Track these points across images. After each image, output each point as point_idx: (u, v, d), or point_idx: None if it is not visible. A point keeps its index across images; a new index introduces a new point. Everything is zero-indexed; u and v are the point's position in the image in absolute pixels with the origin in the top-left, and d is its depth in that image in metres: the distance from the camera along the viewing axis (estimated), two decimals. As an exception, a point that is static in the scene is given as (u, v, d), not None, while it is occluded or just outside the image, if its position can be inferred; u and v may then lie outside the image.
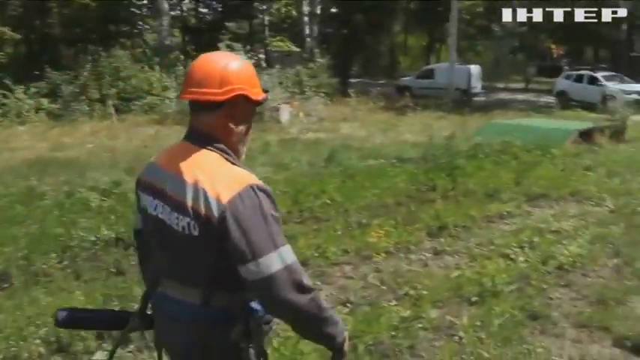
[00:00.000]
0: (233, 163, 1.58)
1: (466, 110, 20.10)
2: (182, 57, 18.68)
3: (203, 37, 21.29)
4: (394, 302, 4.42)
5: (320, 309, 1.55)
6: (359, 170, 8.80)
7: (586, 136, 12.95)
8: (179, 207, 1.52)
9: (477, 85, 23.93)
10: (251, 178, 1.52)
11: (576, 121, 15.33)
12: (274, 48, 24.01)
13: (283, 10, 27.19)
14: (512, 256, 5.42)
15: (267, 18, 26.05)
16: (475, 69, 24.22)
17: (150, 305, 1.76)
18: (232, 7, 23.86)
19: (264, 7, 25.92)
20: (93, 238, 5.39)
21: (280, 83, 18.80)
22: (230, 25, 24.18)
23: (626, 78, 24.02)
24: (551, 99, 23.90)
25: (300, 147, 11.65)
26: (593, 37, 36.52)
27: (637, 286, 4.81)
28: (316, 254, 5.32)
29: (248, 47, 17.62)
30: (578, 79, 23.78)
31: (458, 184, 8.01)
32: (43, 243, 5.15)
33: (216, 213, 1.45)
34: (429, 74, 25.42)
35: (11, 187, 7.46)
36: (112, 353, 2.00)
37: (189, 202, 1.49)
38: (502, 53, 31.24)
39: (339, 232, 5.97)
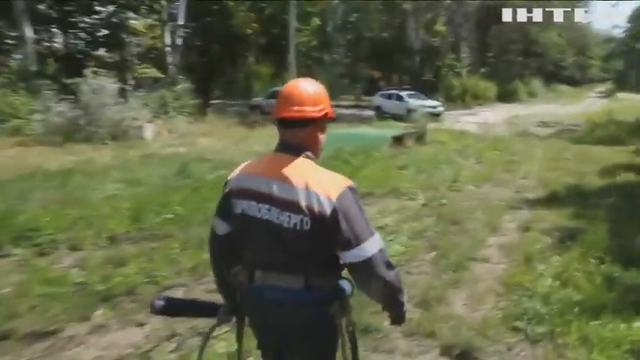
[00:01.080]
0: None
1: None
2: (49, 81, 15.68)
3: (72, 64, 18.27)
4: (226, 329, 3.20)
5: (400, 281, 1.57)
6: (206, 182, 7.46)
7: (398, 140, 12.81)
8: (291, 207, 1.48)
9: (313, 102, 23.33)
10: (346, 180, 1.54)
11: (390, 129, 15.27)
12: (141, 75, 21.49)
13: (150, 42, 24.67)
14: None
15: (135, 49, 23.46)
16: (312, 90, 23.63)
17: (243, 295, 1.65)
18: (100, 37, 20.96)
19: (132, 40, 23.30)
20: None
21: (146, 105, 16.68)
22: (101, 54, 21.24)
23: (422, 95, 25.04)
24: (371, 112, 24.11)
25: (157, 161, 9.95)
26: (397, 66, 38.29)
27: (452, 279, 4.10)
28: (146, 280, 3.96)
29: (114, 73, 15.13)
30: (389, 96, 24.26)
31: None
32: None
33: (328, 210, 1.46)
34: (276, 95, 24.19)
35: None
36: (205, 338, 1.81)
37: (303, 202, 1.47)
38: (333, 78, 31.30)
39: (177, 250, 4.63)
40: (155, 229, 5.23)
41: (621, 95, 46.39)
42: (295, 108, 1.54)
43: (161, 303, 1.73)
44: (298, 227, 1.47)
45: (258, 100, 25.32)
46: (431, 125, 15.85)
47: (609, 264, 3.94)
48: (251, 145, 12.92)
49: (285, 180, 1.50)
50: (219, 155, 11.04)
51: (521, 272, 4.00)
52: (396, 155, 10.84)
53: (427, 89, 30.59)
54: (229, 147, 12.99)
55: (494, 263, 4.46)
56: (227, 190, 1.67)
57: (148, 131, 14.73)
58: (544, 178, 8.69)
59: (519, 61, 47.72)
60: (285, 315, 1.55)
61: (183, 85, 19.66)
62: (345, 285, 1.59)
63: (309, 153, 1.58)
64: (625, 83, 63.19)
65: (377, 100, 24.95)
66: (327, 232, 1.46)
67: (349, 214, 1.46)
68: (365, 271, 1.48)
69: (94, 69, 14.93)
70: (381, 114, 22.81)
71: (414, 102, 22.16)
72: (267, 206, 1.53)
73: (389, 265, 1.50)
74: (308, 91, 1.58)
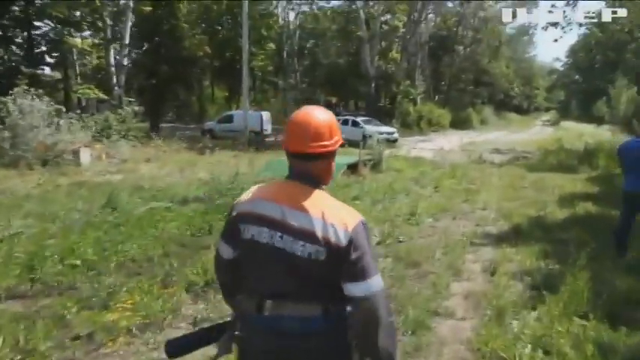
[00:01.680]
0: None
1: (261, 148, 18.71)
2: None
3: (3, 82, 16.68)
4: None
5: (395, 333, 1.51)
6: (134, 216, 6.47)
7: (353, 168, 12.24)
8: (306, 236, 1.44)
9: (267, 127, 22.61)
10: (359, 214, 1.51)
11: (345, 156, 14.69)
12: (83, 95, 20.07)
13: (95, 61, 23.29)
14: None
15: (78, 68, 22.02)
16: (266, 114, 22.79)
17: (249, 325, 1.54)
18: (38, 54, 19.44)
19: (75, 58, 21.90)
20: None
21: (88, 128, 15.45)
22: (37, 72, 19.65)
23: (377, 121, 24.82)
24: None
25: (86, 191, 8.84)
26: (353, 92, 38.32)
27: (412, 343, 3.36)
28: (16, 358, 2.99)
29: (41, 91, 13.74)
30: (345, 122, 23.79)
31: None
32: None
33: (344, 241, 1.43)
34: (229, 119, 23.40)
35: None
36: None
37: (319, 233, 1.43)
38: (289, 103, 30.80)
39: (73, 310, 3.66)
40: (53, 281, 4.23)
41: (565, 124, 48.43)
42: (314, 144, 1.50)
43: (168, 349, 1.67)
44: (313, 257, 1.43)
45: (210, 124, 24.38)
46: (387, 152, 15.45)
47: (595, 322, 3.31)
48: (197, 172, 11.98)
49: (301, 209, 1.47)
50: (158, 183, 10.05)
51: (493, 334, 3.30)
52: (350, 184, 10.21)
53: (383, 115, 30.58)
54: (173, 174, 12.00)
55: (460, 319, 3.76)
56: (235, 214, 1.58)
57: (85, 156, 13.49)
58: (504, 208, 8.24)
59: (471, 90, 49.08)
60: (302, 344, 1.48)
61: (130, 107, 18.44)
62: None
63: (322, 185, 1.55)
64: (567, 112, 66.37)
65: (332, 125, 24.48)
66: (341, 263, 1.43)
67: (361, 247, 1.44)
68: (365, 307, 1.43)
69: (25, 87, 13.56)
70: (337, 140, 22.33)
71: (370, 128, 21.83)
72: (279, 234, 1.47)
73: (389, 309, 1.47)
74: (324, 123, 1.53)
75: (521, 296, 4.06)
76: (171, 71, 23.20)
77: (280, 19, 35.72)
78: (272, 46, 33.09)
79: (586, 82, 55.42)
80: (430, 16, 38.46)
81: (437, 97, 43.35)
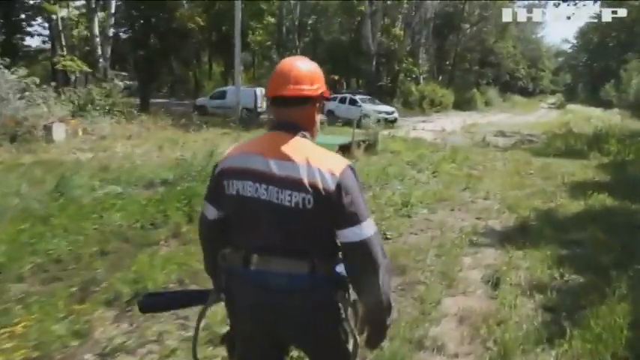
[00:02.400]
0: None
1: (251, 127, 17.69)
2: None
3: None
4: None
5: (391, 273, 1.49)
6: (80, 205, 5.54)
7: (346, 150, 11.29)
8: (293, 185, 1.40)
9: (262, 104, 21.56)
10: (345, 159, 1.49)
11: (338, 136, 13.73)
12: (65, 67, 18.93)
13: (83, 33, 22.07)
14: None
15: (63, 39, 20.87)
16: (259, 91, 21.73)
17: (235, 279, 1.52)
18: (15, 22, 18.29)
19: (60, 29, 20.71)
20: None
21: (64, 101, 14.48)
22: (15, 42, 18.53)
23: (377, 100, 23.81)
24: (322, 117, 22.53)
25: (43, 171, 7.90)
26: (355, 69, 36.99)
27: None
28: None
29: (7, 60, 12.77)
30: (342, 100, 22.80)
31: (196, 217, 5.23)
32: None
33: (332, 185, 1.39)
34: (222, 95, 22.38)
35: None
36: (198, 322, 1.66)
37: (306, 180, 1.39)
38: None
39: (-58, 335, 2.78)
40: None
41: (571, 107, 47.09)
42: (292, 86, 1.47)
43: (144, 301, 1.67)
44: (300, 206, 1.39)
45: (202, 100, 23.33)
46: (385, 132, 14.53)
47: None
48: (176, 151, 11.01)
49: (284, 157, 1.43)
50: (129, 163, 9.11)
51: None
52: (340, 167, 9.27)
53: (383, 94, 29.43)
54: (150, 153, 11.05)
55: (452, 356, 2.85)
56: (218, 171, 1.54)
57: (59, 132, 12.52)
58: (509, 198, 7.32)
59: (476, 70, 47.65)
60: (291, 302, 1.45)
61: (120, 81, 17.34)
62: (341, 269, 1.48)
63: (305, 133, 1.51)
64: (574, 95, 64.92)
65: (329, 103, 23.42)
66: (330, 211, 1.39)
67: (351, 191, 1.40)
68: (361, 251, 1.41)
69: (-4, 58, 12.55)
70: (334, 119, 21.28)
71: (369, 107, 20.83)
72: (264, 185, 1.43)
73: (383, 251, 1.44)
74: (304, 69, 1.51)
75: (533, 322, 3.16)
76: (162, 43, 22.00)
77: (280, -8, 34.16)
78: (271, 20, 31.67)
79: (595, 63, 53.85)
80: (436, -9, 36.87)
81: (440, 76, 41.98)
